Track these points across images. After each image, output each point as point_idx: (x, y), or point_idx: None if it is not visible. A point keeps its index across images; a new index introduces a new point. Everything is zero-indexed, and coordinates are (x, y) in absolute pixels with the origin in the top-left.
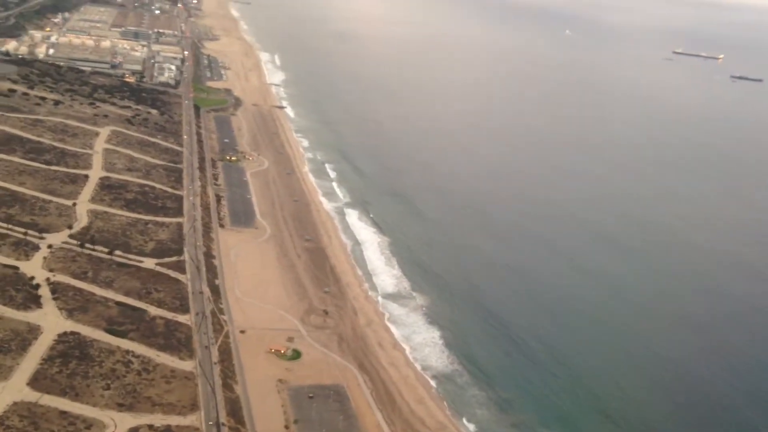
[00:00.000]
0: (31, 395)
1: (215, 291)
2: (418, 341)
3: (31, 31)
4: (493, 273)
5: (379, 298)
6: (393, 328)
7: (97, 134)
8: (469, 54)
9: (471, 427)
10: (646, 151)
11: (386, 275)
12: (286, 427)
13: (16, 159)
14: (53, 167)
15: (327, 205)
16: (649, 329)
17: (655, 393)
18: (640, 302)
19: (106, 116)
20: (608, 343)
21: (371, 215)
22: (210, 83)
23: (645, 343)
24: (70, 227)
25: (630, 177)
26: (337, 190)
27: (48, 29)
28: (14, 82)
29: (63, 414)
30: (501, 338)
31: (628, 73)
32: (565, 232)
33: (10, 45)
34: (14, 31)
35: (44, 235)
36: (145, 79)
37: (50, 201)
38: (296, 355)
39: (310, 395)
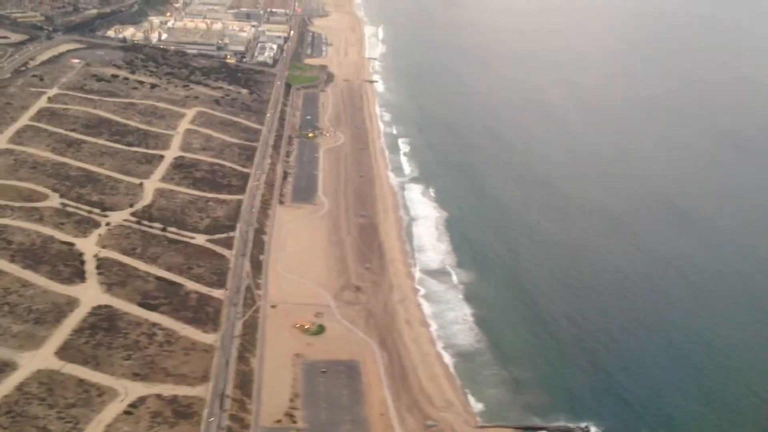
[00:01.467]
0: (56, 364)
1: (257, 266)
2: (448, 319)
3: (151, 18)
4: (547, 255)
5: (419, 274)
6: (426, 305)
7: (183, 115)
8: (588, 16)
9: (479, 406)
10: None
11: (434, 251)
12: (291, 400)
13: (101, 141)
14: (133, 148)
15: (392, 180)
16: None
17: (694, 396)
18: (716, 304)
19: (196, 98)
20: (656, 347)
21: (435, 190)
22: (308, 60)
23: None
24: (131, 205)
25: (748, 157)
26: (406, 165)
27: (168, 14)
28: (118, 67)
29: (80, 382)
30: (535, 321)
31: None
32: (649, 216)
33: (128, 32)
34: (136, 18)
35: (107, 213)
36: (245, 59)
37: (122, 180)
38: (320, 330)
39: (323, 370)
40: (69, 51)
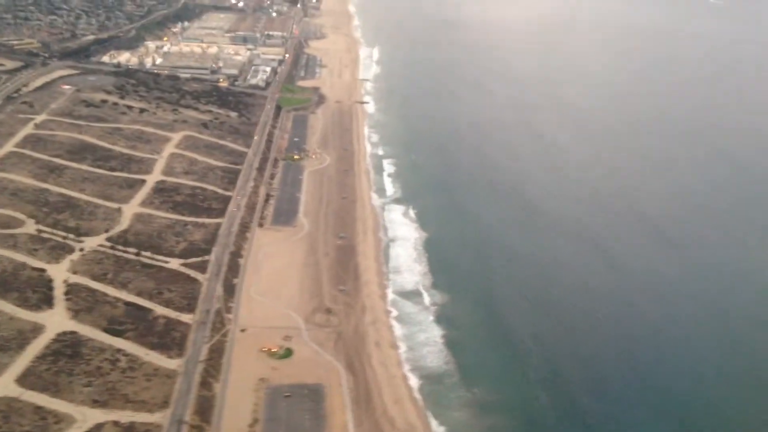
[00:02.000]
0: (15, 391)
1: (229, 290)
2: (419, 340)
3: (147, 42)
4: (522, 276)
5: (393, 296)
6: (397, 326)
7: (169, 139)
8: (594, 33)
9: (441, 429)
10: None
11: (410, 273)
12: (251, 425)
13: (84, 166)
14: (116, 173)
15: (375, 201)
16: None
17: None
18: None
19: (184, 121)
20: (622, 370)
21: (416, 211)
22: (301, 82)
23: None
24: (107, 231)
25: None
26: (390, 186)
27: (166, 39)
28: (108, 93)
29: (38, 409)
30: (504, 344)
31: None
32: (627, 235)
33: (123, 57)
34: (133, 43)
35: (83, 238)
36: (237, 83)
37: (101, 206)
38: (288, 353)
39: (287, 394)
40: (61, 77)
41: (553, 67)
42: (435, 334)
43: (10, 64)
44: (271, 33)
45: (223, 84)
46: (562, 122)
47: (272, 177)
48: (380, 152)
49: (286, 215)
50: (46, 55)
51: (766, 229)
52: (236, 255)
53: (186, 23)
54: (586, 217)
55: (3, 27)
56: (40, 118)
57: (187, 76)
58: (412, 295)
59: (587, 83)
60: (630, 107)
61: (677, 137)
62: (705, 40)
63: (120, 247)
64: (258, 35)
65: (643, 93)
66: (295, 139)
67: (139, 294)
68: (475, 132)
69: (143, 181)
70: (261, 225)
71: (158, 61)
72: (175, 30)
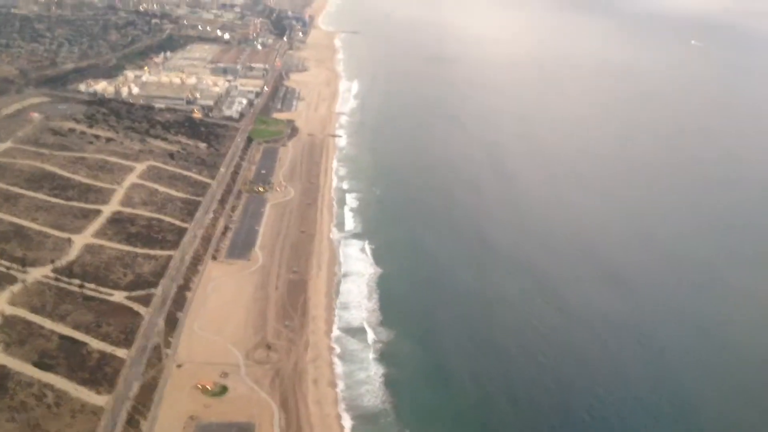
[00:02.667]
0: None
1: (172, 324)
2: (358, 379)
3: (126, 72)
4: (470, 315)
5: (338, 332)
6: (339, 364)
7: (132, 169)
8: (578, 74)
9: None
10: None
11: (359, 309)
12: None
13: (40, 195)
14: (72, 202)
15: (333, 235)
16: None
17: None
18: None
19: (151, 152)
20: (560, 415)
21: (374, 246)
22: (277, 114)
23: None
24: (53, 261)
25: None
26: (350, 221)
27: (146, 68)
28: (77, 121)
29: None
30: (444, 384)
31: None
32: (579, 276)
33: (100, 85)
34: (112, 72)
35: (27, 269)
36: (212, 114)
37: (51, 235)
38: (222, 390)
39: None
40: (32, 105)
41: (528, 105)
42: (375, 372)
43: None
44: (252, 65)
45: (197, 115)
46: (532, 161)
47: (233, 209)
48: (345, 186)
49: (241, 248)
50: (23, 82)
51: (723, 277)
52: (184, 288)
53: (168, 53)
54: (541, 257)
55: None
56: (3, 146)
57: (162, 106)
58: (358, 332)
59: (563, 122)
60: (603, 148)
61: (647, 180)
62: (684, 80)
63: (64, 279)
64: (239, 67)
65: (618, 133)
66: (262, 171)
67: (76, 327)
68: (442, 168)
69: (99, 212)
70: (215, 258)
71: (135, 90)
72: (157, 60)
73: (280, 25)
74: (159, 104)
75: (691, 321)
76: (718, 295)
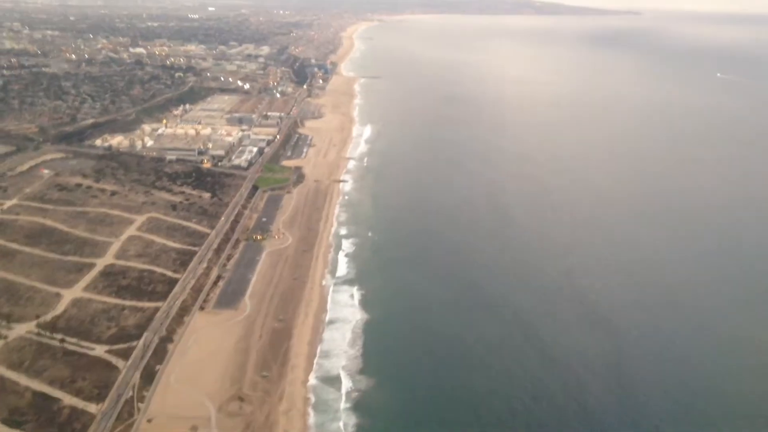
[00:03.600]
0: None
1: (149, 377)
2: (329, 430)
3: (144, 125)
4: (449, 365)
5: (316, 382)
6: (312, 415)
7: (132, 222)
8: (601, 113)
9: None
10: None
11: (340, 357)
12: None
13: (37, 251)
14: (67, 257)
15: (326, 282)
16: None
17: None
18: None
19: (153, 203)
20: None
21: (365, 293)
22: (286, 162)
23: None
24: (38, 317)
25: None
26: (344, 267)
27: (164, 121)
28: (85, 176)
29: None
30: None
31: None
32: (563, 321)
33: (115, 140)
34: (130, 126)
35: (13, 325)
36: (221, 163)
37: (41, 290)
38: None
39: None
40: (45, 161)
41: (541, 145)
42: (348, 422)
43: (2, 149)
44: (268, 114)
45: (207, 165)
46: (537, 205)
47: (229, 258)
48: (344, 231)
49: (231, 297)
50: (41, 139)
51: (713, 324)
52: (166, 340)
53: (188, 106)
54: (528, 301)
55: (8, 112)
56: (9, 203)
57: (173, 157)
58: (336, 381)
59: (573, 163)
60: (619, 189)
61: (650, 218)
62: (707, 115)
63: (47, 334)
64: (254, 116)
65: (633, 173)
66: (263, 219)
67: (51, 383)
68: (442, 213)
69: (92, 265)
70: (202, 308)
71: (149, 143)
72: (176, 112)
73: (302, 73)
74: (171, 156)
75: (674, 366)
76: (709, 341)
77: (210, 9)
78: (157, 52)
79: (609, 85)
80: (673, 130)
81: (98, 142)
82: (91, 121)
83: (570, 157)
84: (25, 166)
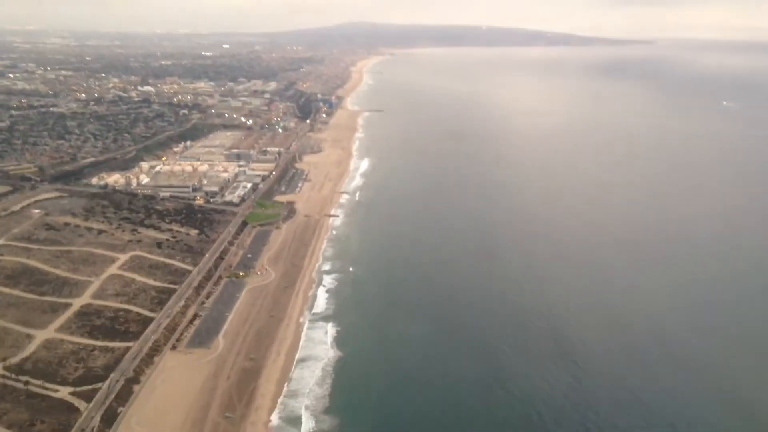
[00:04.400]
0: None
1: (110, 419)
2: None
3: (142, 163)
4: (416, 402)
5: (278, 422)
6: None
7: (114, 260)
8: (603, 144)
9: None
10: None
11: (307, 396)
12: None
13: (15, 291)
14: (45, 297)
15: (302, 319)
16: None
17: None
18: None
19: (139, 241)
20: None
21: (340, 330)
22: (279, 197)
23: None
24: (5, 359)
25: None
26: (323, 304)
27: (164, 159)
28: (75, 215)
29: None
30: None
31: None
32: (545, 367)
33: (112, 178)
34: (129, 164)
35: None
36: (214, 199)
37: (13, 332)
38: None
39: None
40: (38, 201)
41: (539, 179)
42: None
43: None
44: (268, 149)
45: (199, 202)
46: (525, 243)
47: (208, 296)
48: (328, 267)
49: (205, 336)
50: (38, 179)
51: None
52: (133, 381)
53: (189, 143)
54: (506, 342)
55: (10, 152)
56: None
57: (167, 194)
58: (298, 422)
59: (568, 198)
60: (610, 220)
61: (646, 256)
62: (711, 144)
63: (12, 376)
64: (252, 152)
65: (629, 201)
66: (248, 256)
67: (9, 426)
68: (428, 250)
69: (69, 305)
70: (174, 347)
71: (144, 181)
72: (176, 149)
73: (307, 108)
74: (165, 193)
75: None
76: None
77: (224, 46)
78: (165, 90)
79: (613, 115)
80: (672, 159)
81: (95, 180)
82: (90, 159)
83: (567, 190)
84: (18, 207)
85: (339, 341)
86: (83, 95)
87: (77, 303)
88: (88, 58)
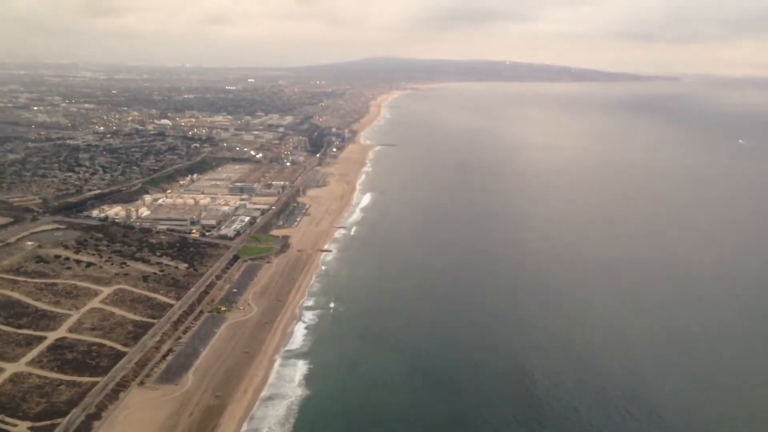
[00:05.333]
0: None
1: None
2: None
3: (146, 196)
4: None
5: None
6: None
7: (97, 294)
8: (617, 180)
9: None
10: None
11: None
12: None
13: None
14: (21, 330)
15: (277, 355)
16: None
17: None
18: None
19: (126, 275)
20: None
21: (312, 368)
22: (277, 230)
23: None
24: None
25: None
26: (300, 340)
27: (168, 191)
28: (66, 247)
29: None
30: None
31: None
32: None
33: (112, 210)
34: (134, 196)
35: None
36: (209, 233)
37: None
38: None
39: None
40: (33, 233)
41: (547, 216)
42: None
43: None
44: (272, 183)
45: (195, 235)
46: (521, 287)
47: (186, 330)
48: (311, 303)
49: (175, 372)
50: (40, 210)
51: None
52: (94, 417)
53: (195, 176)
54: (480, 387)
55: (18, 183)
56: None
57: (164, 227)
58: None
59: (578, 238)
60: (617, 262)
61: (648, 300)
62: (727, 185)
63: None
64: (256, 185)
65: (637, 241)
66: (234, 290)
67: None
68: (418, 288)
69: (43, 338)
70: (142, 383)
71: (144, 213)
72: (182, 182)
73: (319, 142)
74: (162, 226)
75: None
76: None
77: (250, 80)
78: (182, 124)
79: (629, 151)
80: (683, 197)
81: (95, 212)
82: (95, 192)
83: (574, 228)
84: (13, 238)
85: (309, 379)
86: (101, 128)
87: (52, 336)
88: (113, 92)
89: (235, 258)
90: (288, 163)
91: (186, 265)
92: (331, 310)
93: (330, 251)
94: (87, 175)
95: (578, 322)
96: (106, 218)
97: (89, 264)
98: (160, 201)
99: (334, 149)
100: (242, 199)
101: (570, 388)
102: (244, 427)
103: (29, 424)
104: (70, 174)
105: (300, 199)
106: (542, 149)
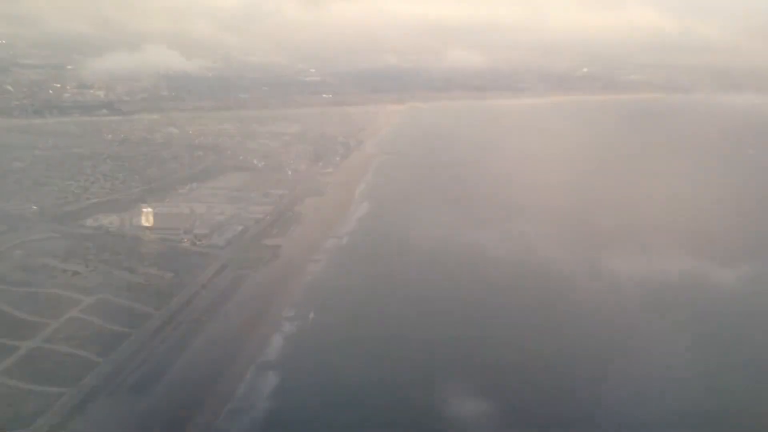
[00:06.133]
0: None
1: None
2: None
3: (142, 204)
4: None
5: None
6: None
7: (78, 303)
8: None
9: None
10: None
11: None
12: None
13: None
14: None
15: (252, 365)
16: None
17: None
18: None
19: (110, 284)
20: None
21: (286, 378)
22: (268, 240)
23: None
24: None
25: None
26: (277, 351)
27: (167, 200)
28: (54, 256)
29: None
30: None
31: None
32: None
33: (107, 219)
34: (131, 205)
35: None
36: (200, 242)
37: None
38: None
39: None
40: (23, 242)
41: (547, 234)
42: None
43: None
44: (270, 191)
45: (185, 244)
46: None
47: (163, 341)
48: (292, 314)
49: (147, 383)
50: (36, 219)
51: None
52: (59, 427)
53: (195, 184)
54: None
55: (18, 191)
56: None
57: (156, 236)
58: None
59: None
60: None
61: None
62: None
63: None
64: (253, 194)
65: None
66: (218, 300)
67: None
68: (405, 300)
69: (17, 348)
70: (112, 394)
71: (138, 223)
72: (181, 191)
73: (323, 150)
74: (155, 235)
75: None
76: None
77: (263, 89)
78: (190, 132)
79: (634, 171)
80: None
81: (90, 221)
82: (93, 200)
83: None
84: (4, 247)
85: (281, 391)
86: (110, 136)
87: (25, 346)
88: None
89: (224, 267)
90: (289, 172)
91: (172, 274)
92: (309, 322)
93: (319, 260)
94: (87, 183)
95: None
96: (100, 227)
97: (75, 273)
98: (156, 210)
99: (338, 158)
100: (239, 208)
101: None
102: None
103: None
104: (70, 182)
105: (296, 208)
106: (552, 161)
